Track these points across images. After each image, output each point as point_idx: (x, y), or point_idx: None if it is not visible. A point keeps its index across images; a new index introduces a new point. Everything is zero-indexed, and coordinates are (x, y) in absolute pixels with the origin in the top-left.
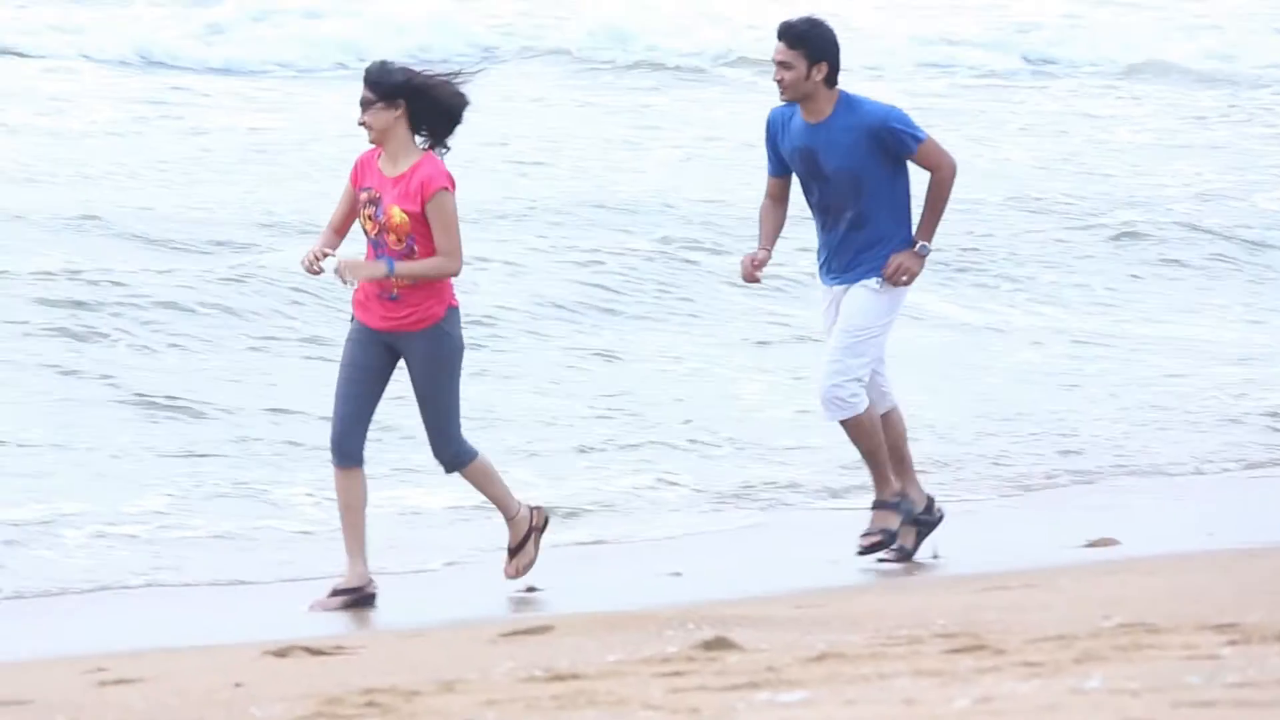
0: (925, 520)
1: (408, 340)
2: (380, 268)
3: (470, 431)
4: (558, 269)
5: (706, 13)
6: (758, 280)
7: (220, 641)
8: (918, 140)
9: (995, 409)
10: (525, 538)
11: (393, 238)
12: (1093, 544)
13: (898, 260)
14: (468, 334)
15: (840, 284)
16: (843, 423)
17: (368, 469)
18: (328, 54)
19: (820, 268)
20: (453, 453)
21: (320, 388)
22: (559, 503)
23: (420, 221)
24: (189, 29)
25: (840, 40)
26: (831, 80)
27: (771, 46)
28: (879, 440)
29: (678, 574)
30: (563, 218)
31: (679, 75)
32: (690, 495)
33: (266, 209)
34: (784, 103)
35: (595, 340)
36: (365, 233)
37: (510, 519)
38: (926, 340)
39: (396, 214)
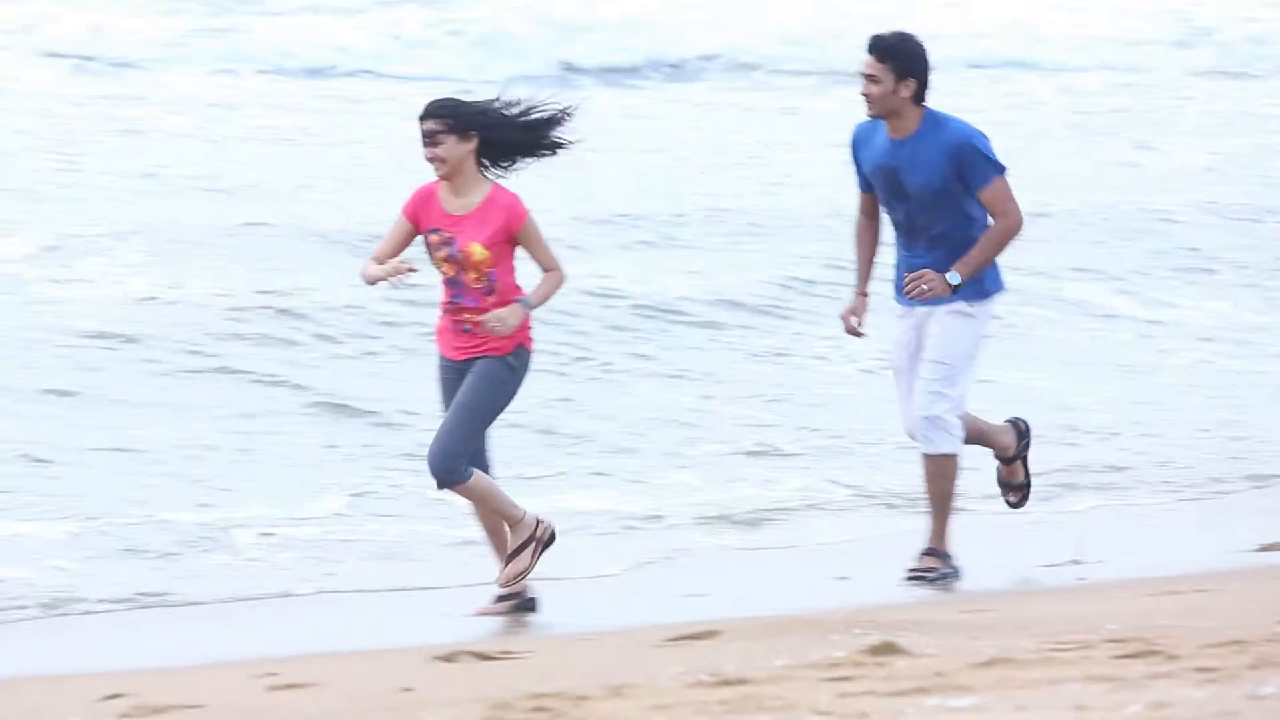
0: (1024, 448)
1: (473, 362)
2: (518, 311)
3: (635, 434)
4: (727, 271)
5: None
6: (860, 335)
7: (388, 646)
8: (996, 169)
9: (1165, 410)
10: (524, 544)
11: (473, 275)
12: (1265, 548)
13: (927, 273)
14: (647, 325)
15: (924, 306)
16: (928, 459)
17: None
18: (504, 65)
19: (898, 288)
20: (447, 468)
21: None
22: (725, 507)
23: (501, 255)
24: (372, 36)
25: (928, 52)
26: (919, 97)
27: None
28: (954, 488)
29: (844, 578)
30: (732, 222)
31: (836, 79)
32: (857, 499)
33: None
34: (870, 117)
35: (763, 342)
36: (441, 273)
37: (514, 524)
38: (1098, 340)
39: (477, 251)
